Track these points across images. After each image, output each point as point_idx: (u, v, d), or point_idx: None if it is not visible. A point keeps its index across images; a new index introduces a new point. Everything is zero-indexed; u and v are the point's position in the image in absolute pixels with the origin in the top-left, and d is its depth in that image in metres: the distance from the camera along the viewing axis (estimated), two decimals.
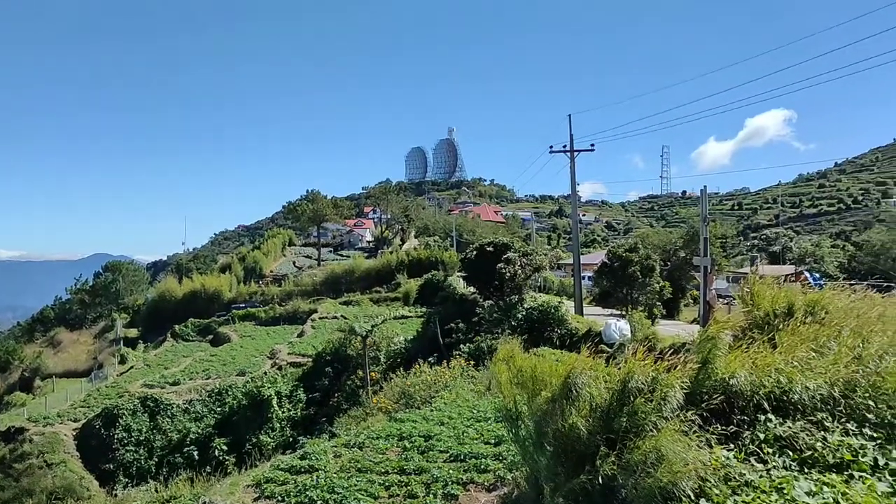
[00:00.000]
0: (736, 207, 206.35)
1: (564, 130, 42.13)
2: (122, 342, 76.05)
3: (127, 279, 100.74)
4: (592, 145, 42.18)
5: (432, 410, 19.87)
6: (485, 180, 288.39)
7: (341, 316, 68.16)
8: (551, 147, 41.55)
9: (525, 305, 33.67)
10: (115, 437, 38.63)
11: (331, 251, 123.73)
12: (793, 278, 60.24)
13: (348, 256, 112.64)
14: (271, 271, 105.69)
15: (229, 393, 42.33)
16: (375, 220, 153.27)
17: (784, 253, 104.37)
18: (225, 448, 36.26)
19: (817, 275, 73.00)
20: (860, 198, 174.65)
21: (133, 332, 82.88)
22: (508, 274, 34.66)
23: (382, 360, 39.20)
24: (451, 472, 13.52)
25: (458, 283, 51.50)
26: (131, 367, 63.26)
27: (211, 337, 74.07)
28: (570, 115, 41.75)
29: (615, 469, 8.54)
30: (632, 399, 9.39)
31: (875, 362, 11.31)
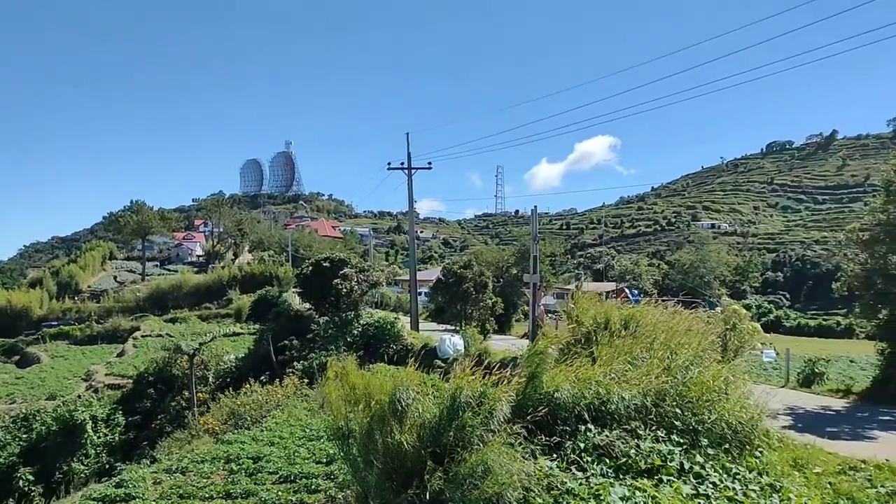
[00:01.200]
0: (564, 227, 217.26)
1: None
2: None
3: None
4: (430, 163, 42.95)
5: (262, 430, 19.24)
6: (323, 195, 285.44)
7: (166, 334, 64.77)
8: (389, 164, 41.84)
9: (361, 321, 33.50)
10: None
11: (157, 265, 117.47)
12: (614, 294, 64.19)
13: (176, 271, 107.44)
14: (89, 286, 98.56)
15: (37, 418, 38.75)
16: (207, 233, 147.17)
17: (607, 270, 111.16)
18: (31, 478, 33.12)
19: (636, 291, 78.29)
20: (673, 220, 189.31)
21: None
22: (345, 290, 34.38)
23: (211, 379, 37.57)
24: (280, 493, 13.11)
25: (294, 298, 50.41)
26: None
27: (17, 358, 67.91)
28: (407, 134, 42.43)
29: (442, 483, 8.60)
30: (461, 413, 9.50)
31: (682, 373, 12.18)
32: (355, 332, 32.30)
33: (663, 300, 17.00)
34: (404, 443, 9.24)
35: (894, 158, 24.61)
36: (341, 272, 35.14)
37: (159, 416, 36.72)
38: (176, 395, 37.63)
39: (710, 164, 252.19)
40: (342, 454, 10.91)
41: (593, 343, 13.95)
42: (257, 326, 55.94)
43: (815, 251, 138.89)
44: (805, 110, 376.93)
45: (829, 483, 10.63)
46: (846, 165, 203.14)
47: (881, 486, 10.76)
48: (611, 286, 78.25)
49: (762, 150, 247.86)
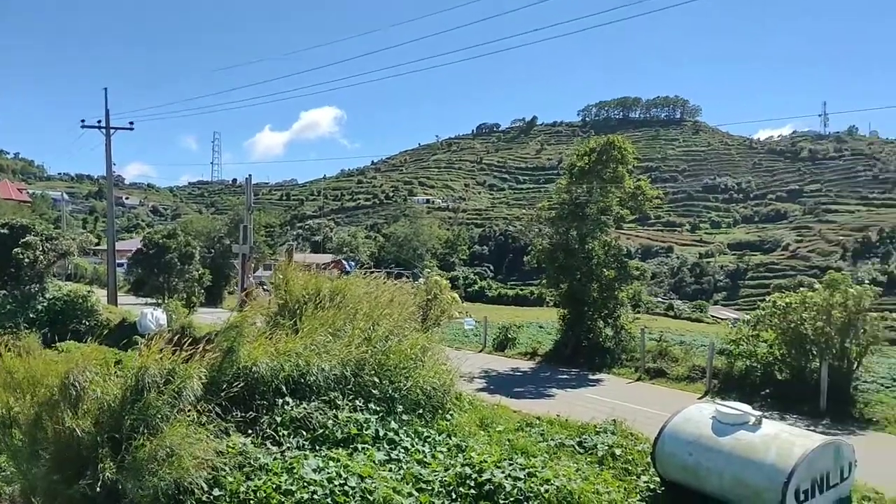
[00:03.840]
0: (285, 198, 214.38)
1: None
2: None
3: None
4: (131, 123, 39.59)
5: None
6: (7, 153, 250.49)
7: None
8: (83, 121, 37.93)
9: (47, 295, 30.09)
10: None
11: None
12: (332, 266, 64.73)
13: None
14: None
15: None
16: None
17: (325, 242, 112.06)
18: None
19: (353, 262, 79.68)
20: (391, 194, 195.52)
21: None
22: (27, 260, 30.54)
23: None
24: None
25: None
26: None
27: None
28: (105, 89, 38.55)
29: (117, 471, 7.91)
30: (145, 394, 8.81)
31: (382, 342, 12.50)
32: (40, 307, 28.92)
33: (373, 272, 17.35)
34: (77, 429, 8.35)
35: (576, 146, 27.49)
36: (23, 240, 31.14)
37: None
38: None
39: (427, 141, 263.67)
40: (4, 445, 9.63)
41: (300, 314, 13.82)
42: None
43: (515, 227, 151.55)
44: (511, 97, 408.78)
45: (509, 439, 11.56)
46: (543, 149, 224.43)
47: (551, 440, 11.98)
48: (328, 258, 78.90)
49: (473, 131, 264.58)
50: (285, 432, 10.07)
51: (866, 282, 25.52)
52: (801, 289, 21.34)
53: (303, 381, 10.97)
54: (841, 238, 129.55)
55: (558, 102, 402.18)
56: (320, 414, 10.55)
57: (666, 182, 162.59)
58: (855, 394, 18.47)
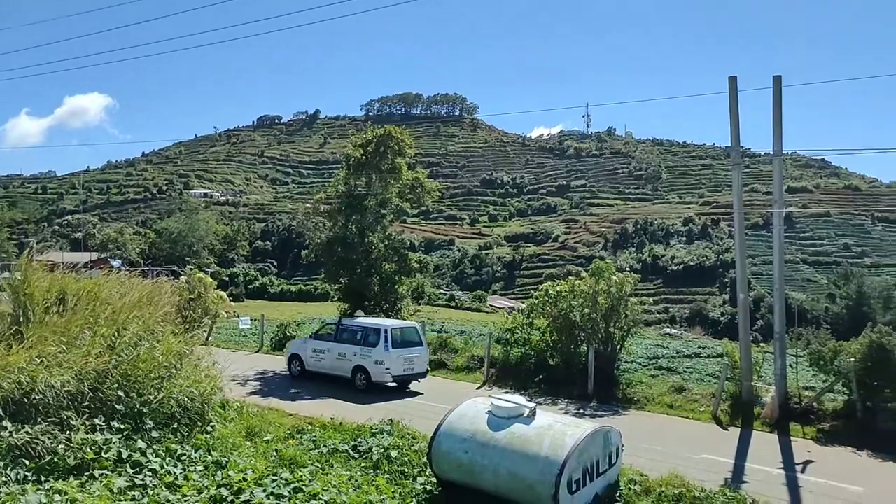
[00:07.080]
0: (41, 191, 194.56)
1: None
2: None
3: None
4: None
5: None
6: None
7: None
8: None
9: None
10: None
11: None
12: (97, 265, 59.16)
13: None
14: None
15: None
16: None
17: (88, 239, 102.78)
18: None
19: (120, 261, 73.72)
20: (165, 188, 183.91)
21: None
22: None
23: None
24: None
25: None
26: None
27: None
28: None
29: None
30: None
31: (129, 350, 11.02)
32: None
33: (135, 270, 15.57)
34: None
35: (353, 137, 26.85)
36: None
37: None
38: None
39: (204, 133, 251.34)
40: None
41: (34, 321, 11.93)
42: None
43: (296, 221, 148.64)
44: (293, 89, 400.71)
45: (276, 450, 10.63)
46: (327, 143, 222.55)
47: (324, 446, 11.19)
48: (91, 256, 72.21)
49: (254, 123, 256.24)
50: (1, 463, 8.48)
51: (627, 269, 27.36)
52: (570, 277, 22.34)
53: (26, 400, 9.38)
54: (603, 229, 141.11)
55: (341, 96, 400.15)
56: (48, 438, 9.04)
57: (447, 177, 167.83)
58: (618, 375, 19.59)
